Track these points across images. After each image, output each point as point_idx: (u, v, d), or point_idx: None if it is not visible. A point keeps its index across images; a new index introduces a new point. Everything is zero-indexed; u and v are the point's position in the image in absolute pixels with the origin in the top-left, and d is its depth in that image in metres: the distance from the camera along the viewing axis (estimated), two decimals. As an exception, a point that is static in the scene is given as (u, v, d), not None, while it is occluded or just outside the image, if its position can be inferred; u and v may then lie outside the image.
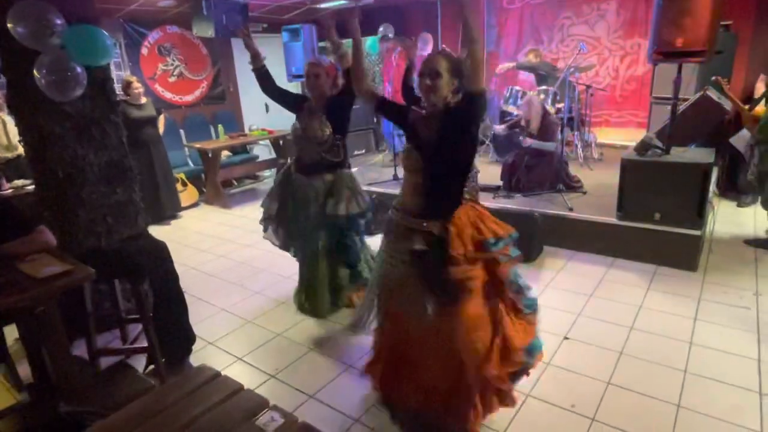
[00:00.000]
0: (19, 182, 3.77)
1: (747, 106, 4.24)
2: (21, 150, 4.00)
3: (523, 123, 4.25)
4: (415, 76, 2.15)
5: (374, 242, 3.65)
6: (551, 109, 4.61)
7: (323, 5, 6.55)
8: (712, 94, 4.19)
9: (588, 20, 6.16)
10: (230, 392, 1.27)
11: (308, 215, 2.98)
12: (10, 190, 3.69)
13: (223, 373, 1.99)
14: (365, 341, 2.84)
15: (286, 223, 3.14)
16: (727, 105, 4.27)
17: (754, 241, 3.81)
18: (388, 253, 2.06)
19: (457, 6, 1.68)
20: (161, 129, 5.32)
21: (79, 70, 2.63)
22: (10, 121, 4.08)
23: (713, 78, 3.91)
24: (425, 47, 5.13)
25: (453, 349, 1.91)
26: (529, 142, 4.27)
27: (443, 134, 1.89)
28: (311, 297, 3.15)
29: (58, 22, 2.52)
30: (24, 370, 2.40)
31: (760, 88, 4.14)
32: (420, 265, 1.90)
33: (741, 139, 4.21)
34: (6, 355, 2.45)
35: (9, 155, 4.18)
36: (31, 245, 2.15)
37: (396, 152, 5.64)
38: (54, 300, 1.86)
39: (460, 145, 1.90)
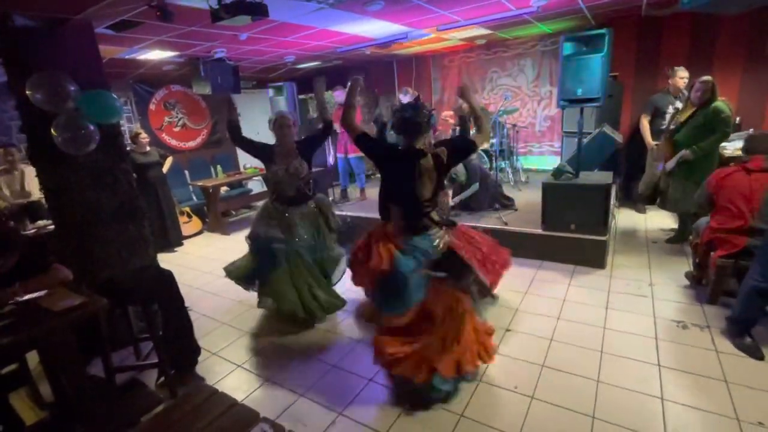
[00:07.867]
0: (41, 222, 3.55)
1: (655, 143, 4.11)
2: (33, 197, 3.82)
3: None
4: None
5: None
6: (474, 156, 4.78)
7: (301, 66, 6.55)
8: (608, 130, 4.37)
9: (511, 73, 6.38)
10: (226, 407, 1.19)
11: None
12: (33, 230, 3.46)
13: (224, 378, 1.85)
14: (344, 342, 2.79)
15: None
16: (619, 138, 4.46)
17: (646, 241, 3.95)
18: None
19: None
20: (166, 168, 5.13)
21: (92, 128, 2.51)
22: (29, 171, 3.83)
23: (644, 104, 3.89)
24: (405, 98, 5.21)
25: None
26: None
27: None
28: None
29: (72, 88, 2.40)
30: (46, 390, 2.22)
31: (644, 125, 4.32)
32: None
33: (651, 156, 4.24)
34: (29, 377, 2.28)
35: (22, 201, 3.90)
36: (49, 281, 2.00)
37: (345, 187, 5.69)
38: (70, 330, 1.72)
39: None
